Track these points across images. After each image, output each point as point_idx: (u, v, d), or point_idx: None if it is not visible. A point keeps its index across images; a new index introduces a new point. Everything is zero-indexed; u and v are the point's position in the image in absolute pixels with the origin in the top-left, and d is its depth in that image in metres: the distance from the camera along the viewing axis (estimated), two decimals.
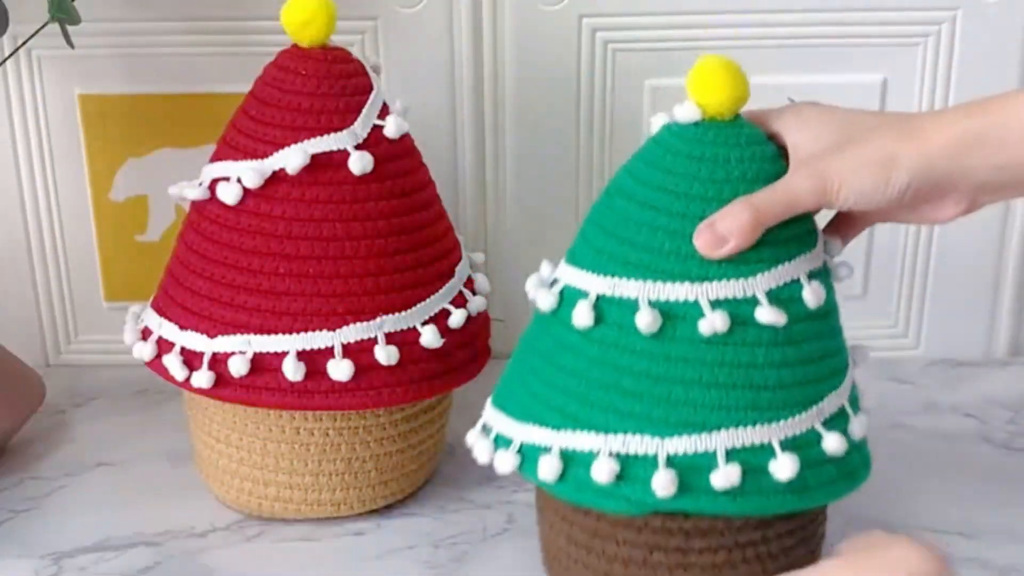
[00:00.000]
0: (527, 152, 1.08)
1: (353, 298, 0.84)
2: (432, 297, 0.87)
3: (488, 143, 1.07)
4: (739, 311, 0.71)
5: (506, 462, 0.75)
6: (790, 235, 0.73)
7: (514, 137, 1.07)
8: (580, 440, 0.72)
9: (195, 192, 0.87)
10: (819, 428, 0.73)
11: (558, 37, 1.04)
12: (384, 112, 0.87)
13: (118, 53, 1.05)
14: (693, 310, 0.71)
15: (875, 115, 0.74)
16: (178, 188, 0.88)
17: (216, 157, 0.88)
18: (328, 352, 0.84)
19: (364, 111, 0.86)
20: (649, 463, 0.70)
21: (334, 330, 0.84)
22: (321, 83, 0.85)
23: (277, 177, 0.84)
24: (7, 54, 1.02)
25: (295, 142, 0.84)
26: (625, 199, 0.75)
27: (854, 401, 0.77)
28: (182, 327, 0.86)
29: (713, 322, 0.70)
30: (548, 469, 0.72)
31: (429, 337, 0.85)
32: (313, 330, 0.84)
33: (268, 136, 0.85)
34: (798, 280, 0.73)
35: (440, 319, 0.87)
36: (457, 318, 0.87)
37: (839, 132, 0.71)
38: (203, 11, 1.03)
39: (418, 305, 0.86)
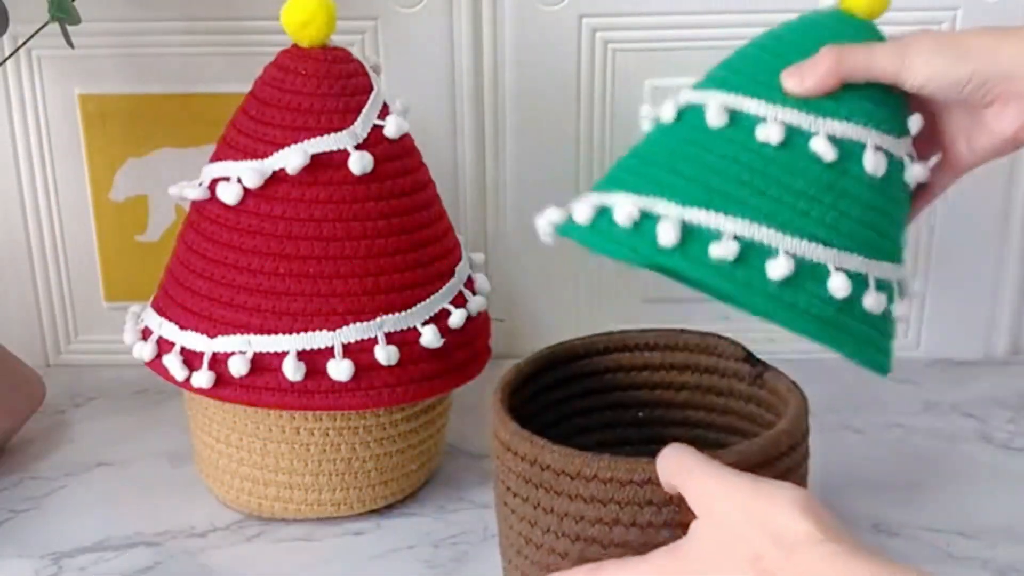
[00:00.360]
0: (527, 152, 1.08)
1: (353, 298, 0.84)
2: (432, 297, 0.87)
3: (488, 143, 1.07)
4: (851, 149, 0.74)
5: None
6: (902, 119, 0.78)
7: (514, 137, 1.07)
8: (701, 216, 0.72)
9: (195, 192, 0.87)
10: (871, 281, 0.75)
11: (558, 37, 1.04)
12: (384, 112, 0.87)
13: (118, 53, 1.05)
14: (806, 137, 0.74)
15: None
16: (178, 188, 0.88)
17: (216, 157, 0.88)
18: (328, 352, 0.84)
19: (364, 111, 0.86)
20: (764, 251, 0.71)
21: (334, 330, 0.84)
22: (321, 83, 0.85)
23: (277, 177, 0.84)
24: (7, 54, 1.02)
25: (295, 142, 0.84)
26: (758, 48, 0.82)
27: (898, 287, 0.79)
28: (182, 327, 0.86)
29: (826, 151, 0.73)
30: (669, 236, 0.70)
31: (429, 337, 0.85)
32: (313, 330, 0.84)
33: (268, 136, 0.85)
34: (899, 158, 0.76)
35: (440, 319, 0.87)
36: (457, 318, 0.87)
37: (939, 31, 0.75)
38: (203, 11, 1.03)
39: (418, 305, 0.86)
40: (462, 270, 0.90)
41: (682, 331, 0.84)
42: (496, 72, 1.05)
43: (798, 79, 0.74)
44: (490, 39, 1.04)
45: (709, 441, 0.83)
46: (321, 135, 0.84)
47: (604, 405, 0.85)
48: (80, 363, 1.14)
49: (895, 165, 0.75)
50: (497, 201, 1.09)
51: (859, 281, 0.74)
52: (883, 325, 0.77)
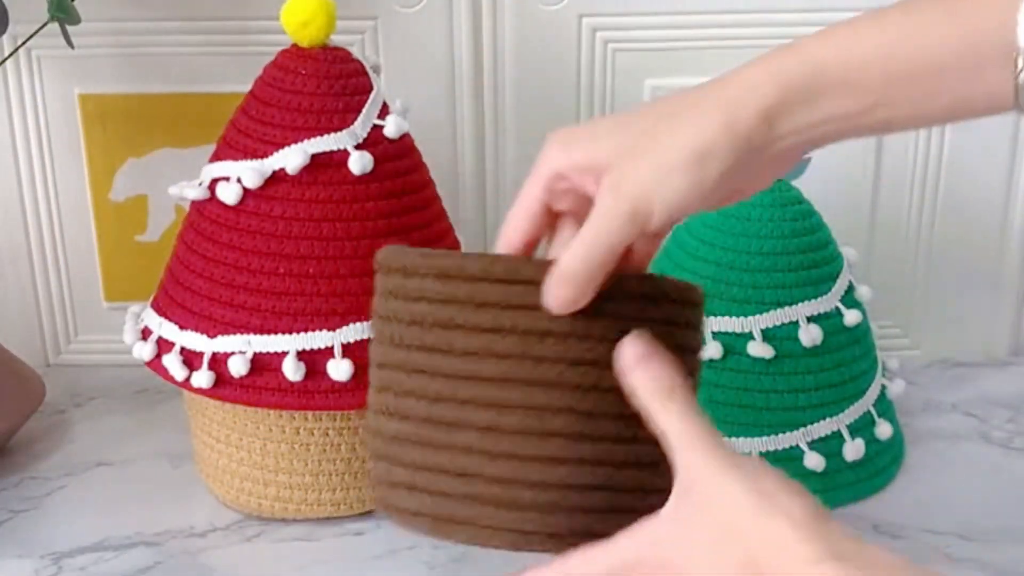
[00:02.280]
0: (527, 152, 1.08)
1: (353, 298, 0.84)
2: None
3: (488, 143, 1.07)
4: (735, 344, 0.88)
5: None
6: (794, 281, 0.89)
7: (514, 137, 1.07)
8: None
9: (195, 192, 0.87)
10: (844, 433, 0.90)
11: (558, 37, 1.04)
12: (384, 112, 0.87)
13: (118, 53, 1.05)
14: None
15: (664, 99, 0.61)
16: (178, 188, 0.88)
17: (216, 157, 0.88)
18: (328, 352, 0.84)
19: (364, 111, 0.86)
20: None
21: (334, 330, 0.84)
22: (321, 83, 0.85)
23: (277, 177, 0.84)
24: (7, 54, 1.02)
25: (295, 142, 0.84)
26: (680, 251, 0.92)
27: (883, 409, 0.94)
28: (182, 327, 0.86)
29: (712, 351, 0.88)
30: None
31: None
32: (313, 330, 0.84)
33: (268, 136, 0.85)
34: (796, 322, 0.89)
35: None
36: None
37: (630, 131, 0.57)
38: (203, 11, 1.03)
39: None
40: None
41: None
42: (496, 72, 1.05)
43: (552, 303, 0.55)
44: (490, 39, 1.04)
45: None
46: (321, 135, 0.84)
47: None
48: (80, 363, 1.14)
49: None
50: (497, 201, 1.09)
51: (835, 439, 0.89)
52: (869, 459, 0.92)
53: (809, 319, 0.89)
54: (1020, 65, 0.52)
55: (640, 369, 0.55)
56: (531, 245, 0.59)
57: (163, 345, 0.87)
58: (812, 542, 0.51)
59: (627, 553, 0.55)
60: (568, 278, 0.54)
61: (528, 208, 0.58)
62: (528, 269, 0.55)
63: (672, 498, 0.54)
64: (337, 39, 0.88)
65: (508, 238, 0.59)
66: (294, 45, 0.87)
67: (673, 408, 0.55)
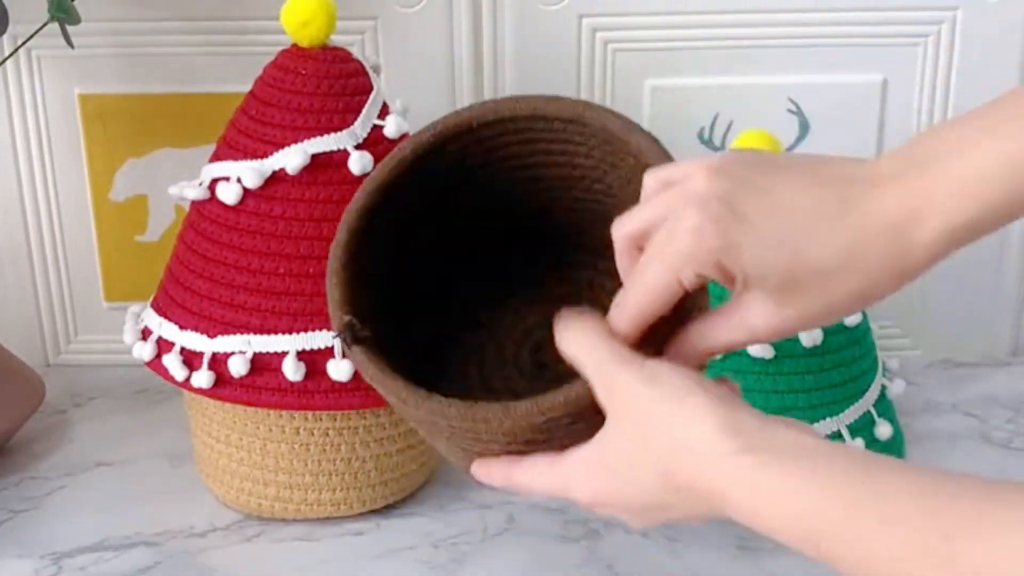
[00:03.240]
0: None
1: None
2: None
3: None
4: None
5: None
6: None
7: None
8: None
9: (195, 192, 0.87)
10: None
11: (558, 37, 1.04)
12: (384, 112, 0.87)
13: (118, 53, 1.05)
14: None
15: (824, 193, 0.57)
16: (178, 188, 0.88)
17: (216, 157, 0.88)
18: (328, 352, 0.84)
19: (364, 111, 0.86)
20: None
21: None
22: (321, 83, 0.85)
23: (277, 177, 0.84)
24: (7, 54, 1.02)
25: (295, 142, 0.84)
26: None
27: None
28: (182, 327, 0.86)
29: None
30: None
31: None
32: (313, 330, 0.84)
33: (268, 136, 0.85)
34: None
35: None
36: None
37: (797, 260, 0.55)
38: (203, 11, 1.03)
39: None
40: None
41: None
42: (496, 72, 1.05)
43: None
44: (490, 39, 1.04)
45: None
46: (321, 135, 0.84)
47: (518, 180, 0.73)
48: (80, 363, 1.14)
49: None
50: None
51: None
52: None
53: None
54: None
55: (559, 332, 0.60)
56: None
57: (163, 345, 0.87)
58: (724, 436, 0.52)
59: (559, 477, 0.60)
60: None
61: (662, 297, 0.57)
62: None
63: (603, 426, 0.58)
64: (337, 39, 0.88)
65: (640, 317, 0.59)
66: (294, 45, 0.87)
67: (568, 336, 0.59)
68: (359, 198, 0.69)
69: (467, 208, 0.73)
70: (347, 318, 0.65)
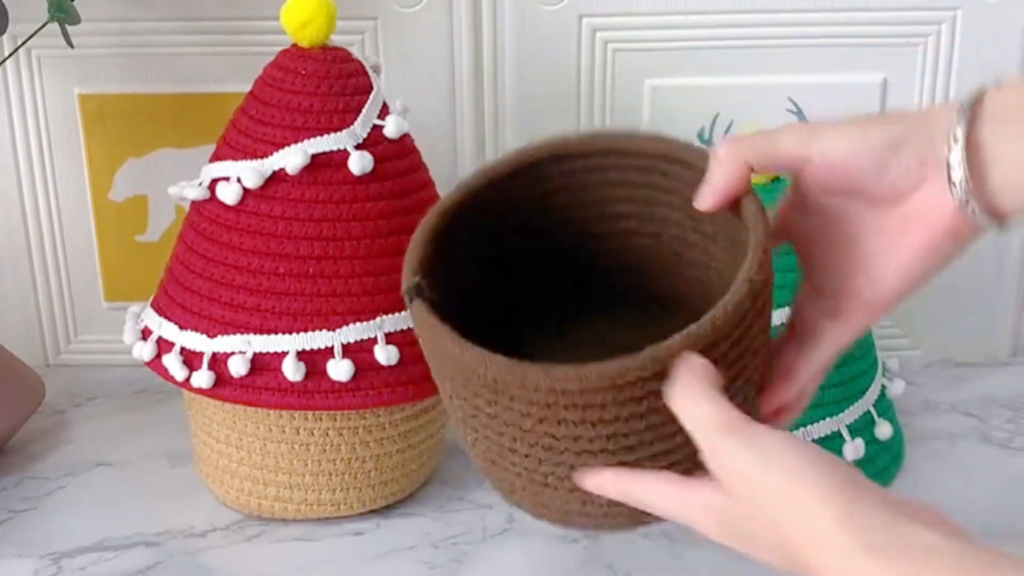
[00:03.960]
0: None
1: (353, 298, 0.84)
2: None
3: (488, 143, 1.07)
4: None
5: None
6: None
7: (514, 137, 1.07)
8: None
9: (195, 192, 0.87)
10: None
11: (558, 37, 1.04)
12: (384, 112, 0.87)
13: (118, 53, 1.05)
14: None
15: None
16: (178, 188, 0.88)
17: (216, 157, 0.88)
18: (328, 352, 0.84)
19: (364, 111, 0.86)
20: None
21: (334, 330, 0.84)
22: (321, 83, 0.85)
23: (277, 177, 0.84)
24: (7, 54, 1.02)
25: (295, 142, 0.84)
26: None
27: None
28: (182, 327, 0.86)
29: None
30: None
31: None
32: (313, 330, 0.84)
33: (268, 136, 0.85)
34: None
35: None
36: None
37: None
38: (203, 11, 1.03)
39: None
40: None
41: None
42: (496, 72, 1.05)
43: (708, 196, 0.61)
44: (490, 39, 1.04)
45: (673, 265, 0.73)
46: (321, 135, 0.84)
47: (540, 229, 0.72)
48: (80, 363, 1.14)
49: None
50: None
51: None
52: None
53: None
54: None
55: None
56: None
57: (163, 345, 0.87)
58: (847, 531, 0.50)
59: (684, 507, 0.58)
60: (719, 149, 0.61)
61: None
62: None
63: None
64: (337, 39, 0.88)
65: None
66: (294, 45, 0.87)
67: (674, 392, 0.56)
68: (453, 194, 0.69)
69: (543, 244, 0.72)
70: (417, 278, 0.65)
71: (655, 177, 0.68)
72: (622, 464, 0.61)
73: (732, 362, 0.59)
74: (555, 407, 0.60)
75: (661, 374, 0.57)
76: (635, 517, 0.63)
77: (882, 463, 0.92)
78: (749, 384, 0.62)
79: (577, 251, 0.73)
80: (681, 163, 0.66)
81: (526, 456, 0.64)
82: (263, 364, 0.84)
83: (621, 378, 0.58)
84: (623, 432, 0.60)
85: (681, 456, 0.60)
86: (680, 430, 0.58)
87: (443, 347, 0.62)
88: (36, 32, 0.94)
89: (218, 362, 0.84)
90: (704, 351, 0.57)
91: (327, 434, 0.87)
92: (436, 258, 0.67)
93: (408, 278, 0.65)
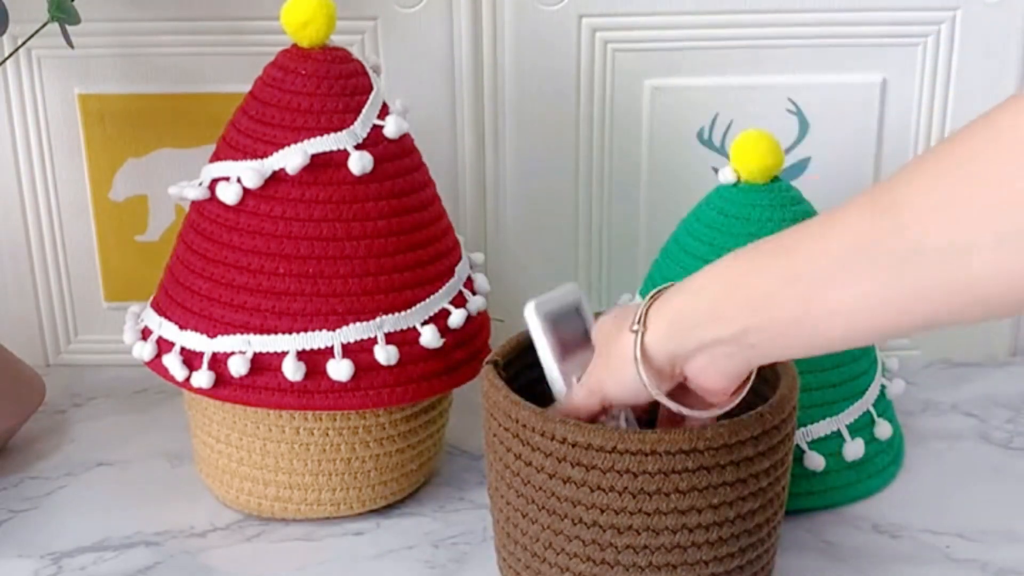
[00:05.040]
0: (527, 152, 1.08)
1: (353, 298, 0.84)
2: (432, 297, 0.87)
3: (488, 143, 1.07)
4: None
5: None
6: None
7: (514, 137, 1.07)
8: None
9: (195, 192, 0.87)
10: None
11: (558, 37, 1.04)
12: (384, 112, 0.87)
13: (118, 53, 1.05)
14: None
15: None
16: (178, 188, 0.88)
17: (216, 157, 0.88)
18: (328, 352, 0.84)
19: (364, 111, 0.86)
20: None
21: (334, 330, 0.84)
22: (321, 83, 0.85)
23: (277, 177, 0.84)
24: (7, 54, 1.02)
25: (295, 142, 0.84)
26: (680, 249, 0.92)
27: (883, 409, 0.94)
28: (182, 327, 0.86)
29: None
30: None
31: (429, 337, 0.85)
32: (313, 330, 0.84)
33: (268, 136, 0.85)
34: None
35: (440, 319, 0.87)
36: (457, 318, 0.87)
37: (604, 337, 0.74)
38: (203, 11, 1.03)
39: (418, 305, 0.86)
40: (462, 270, 0.90)
41: None
42: (496, 72, 1.05)
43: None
44: (490, 39, 1.04)
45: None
46: (321, 135, 0.84)
47: None
48: (80, 363, 1.14)
49: None
50: (497, 201, 1.09)
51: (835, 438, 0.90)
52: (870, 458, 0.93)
53: None
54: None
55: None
56: None
57: (163, 345, 0.87)
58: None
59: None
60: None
61: None
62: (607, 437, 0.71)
63: None
64: (337, 39, 0.88)
65: None
66: (294, 45, 0.87)
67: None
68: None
69: None
70: (497, 358, 0.79)
71: None
72: (611, 545, 0.72)
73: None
74: (564, 463, 0.71)
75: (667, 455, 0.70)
76: None
77: (882, 463, 0.92)
78: None
79: None
80: None
81: (532, 523, 0.74)
82: (263, 364, 0.84)
83: (623, 444, 0.70)
84: (616, 506, 0.71)
85: (666, 543, 0.72)
86: (667, 524, 0.71)
87: (494, 398, 0.75)
88: (36, 32, 0.94)
89: (218, 362, 0.84)
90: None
91: (327, 434, 0.87)
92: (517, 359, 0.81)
93: (492, 355, 0.80)
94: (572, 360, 0.78)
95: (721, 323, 0.65)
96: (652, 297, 0.70)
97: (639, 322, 0.69)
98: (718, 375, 0.68)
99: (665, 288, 0.70)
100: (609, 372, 0.72)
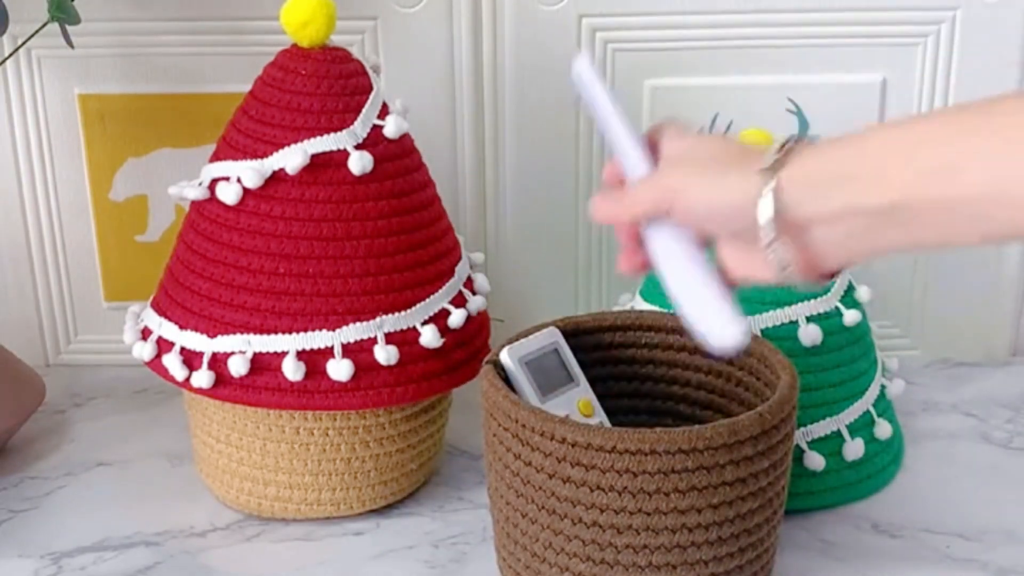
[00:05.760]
0: (527, 152, 1.08)
1: (353, 298, 0.84)
2: (432, 297, 0.87)
3: (488, 143, 1.07)
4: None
5: None
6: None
7: (514, 137, 1.07)
8: None
9: (195, 192, 0.87)
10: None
11: (558, 37, 1.04)
12: (384, 112, 0.87)
13: (118, 53, 1.05)
14: None
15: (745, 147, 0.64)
16: (178, 188, 0.88)
17: (216, 157, 0.88)
18: (328, 352, 0.84)
19: (364, 111, 0.86)
20: None
21: (334, 330, 0.84)
22: (321, 83, 0.85)
23: (277, 177, 0.84)
24: (7, 54, 1.02)
25: (295, 142, 0.84)
26: None
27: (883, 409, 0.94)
28: (182, 327, 0.86)
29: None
30: None
31: (429, 337, 0.85)
32: (313, 330, 0.84)
33: (268, 136, 0.85)
34: (796, 322, 0.89)
35: (440, 319, 0.87)
36: (457, 318, 0.87)
37: (707, 151, 0.65)
38: (203, 11, 1.03)
39: (418, 305, 0.86)
40: (462, 270, 0.90)
41: None
42: (496, 72, 1.05)
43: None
44: (490, 39, 1.04)
45: (713, 410, 0.87)
46: (321, 135, 0.84)
47: (607, 377, 0.87)
48: (80, 363, 1.14)
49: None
50: (497, 201, 1.09)
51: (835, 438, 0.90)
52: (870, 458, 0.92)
53: (808, 319, 0.89)
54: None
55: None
56: None
57: (163, 345, 0.87)
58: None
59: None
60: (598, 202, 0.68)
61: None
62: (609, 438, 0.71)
63: None
64: (337, 39, 0.88)
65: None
66: (294, 45, 0.87)
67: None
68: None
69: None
70: (497, 357, 0.79)
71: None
72: (611, 545, 0.72)
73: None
74: (563, 463, 0.71)
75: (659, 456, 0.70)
76: None
77: (882, 463, 0.92)
78: None
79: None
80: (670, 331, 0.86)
81: (532, 523, 0.74)
82: (263, 364, 0.84)
83: (623, 444, 0.70)
84: (616, 506, 0.71)
85: (666, 542, 0.72)
86: (667, 524, 0.71)
87: (494, 398, 0.75)
88: (36, 32, 0.94)
89: (218, 362, 0.84)
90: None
91: (327, 434, 0.87)
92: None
93: (492, 355, 0.80)
94: (555, 398, 0.80)
95: (880, 188, 0.55)
96: (789, 140, 0.59)
97: (778, 154, 0.58)
98: (838, 249, 0.58)
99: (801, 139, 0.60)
100: (706, 182, 0.61)
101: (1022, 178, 0.51)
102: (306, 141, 0.84)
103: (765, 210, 0.58)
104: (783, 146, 0.59)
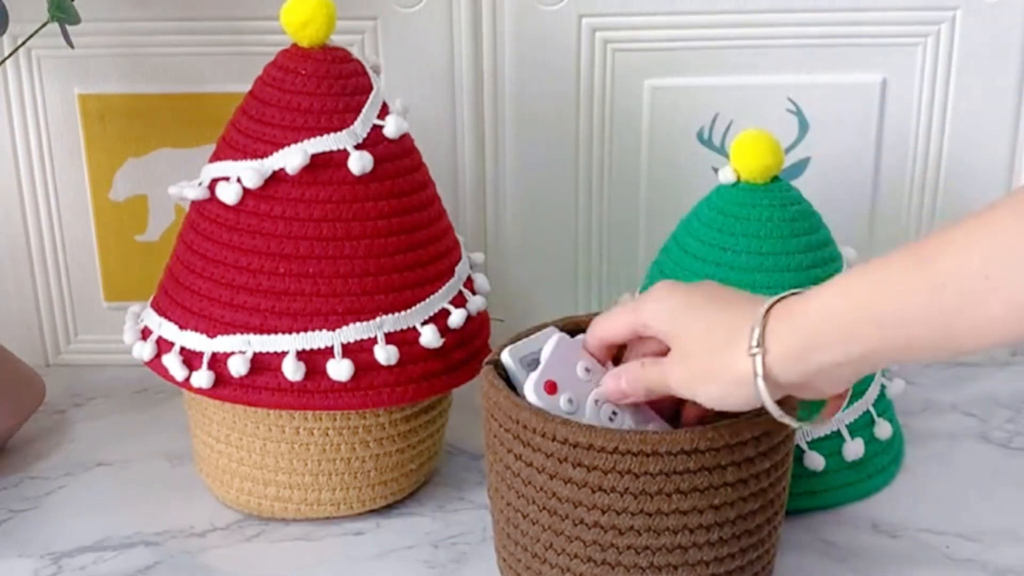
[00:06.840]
0: (527, 152, 1.08)
1: (353, 298, 0.84)
2: (432, 297, 0.87)
3: (488, 143, 1.07)
4: None
5: None
6: (794, 281, 0.86)
7: (514, 137, 1.07)
8: None
9: (195, 192, 0.87)
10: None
11: (558, 37, 1.04)
12: (384, 112, 0.87)
13: (118, 53, 1.05)
14: None
15: (727, 310, 0.70)
16: (178, 188, 0.88)
17: (216, 157, 0.88)
18: (328, 352, 0.84)
19: (364, 111, 0.86)
20: None
21: (334, 330, 0.84)
22: (321, 83, 0.85)
23: (277, 177, 0.84)
24: (7, 54, 1.02)
25: (295, 142, 0.84)
26: (679, 249, 0.92)
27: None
28: (182, 327, 0.86)
29: None
30: None
31: (429, 337, 0.85)
32: (313, 330, 0.84)
33: (268, 136, 0.85)
34: None
35: (440, 319, 0.87)
36: (457, 318, 0.87)
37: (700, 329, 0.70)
38: (203, 11, 1.03)
39: (418, 305, 0.86)
40: (462, 270, 0.90)
41: None
42: (496, 72, 1.05)
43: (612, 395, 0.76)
44: (490, 39, 1.04)
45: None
46: (321, 135, 0.84)
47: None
48: (80, 363, 1.14)
49: None
50: (497, 201, 1.09)
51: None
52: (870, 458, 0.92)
53: None
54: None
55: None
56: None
57: (163, 345, 0.87)
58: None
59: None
60: (617, 381, 0.75)
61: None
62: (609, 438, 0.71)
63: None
64: (337, 39, 0.88)
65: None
66: (294, 45, 0.87)
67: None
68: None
69: None
70: (498, 358, 0.77)
71: None
72: (612, 546, 0.72)
73: None
74: (565, 464, 0.71)
75: (667, 456, 0.70)
76: None
77: (882, 463, 0.92)
78: None
79: None
80: None
81: (533, 524, 0.74)
82: (263, 364, 0.84)
83: (625, 445, 0.70)
84: (617, 507, 0.71)
85: (668, 543, 0.72)
86: (668, 525, 0.71)
87: (494, 398, 0.75)
88: (36, 32, 0.94)
89: (218, 362, 0.84)
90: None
91: (327, 434, 0.87)
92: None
93: (492, 355, 0.78)
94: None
95: (853, 344, 0.63)
96: (764, 314, 0.66)
97: (758, 344, 0.66)
98: (834, 386, 0.68)
99: (772, 302, 0.67)
100: (701, 381, 0.69)
101: (968, 312, 0.58)
102: (306, 141, 0.84)
103: (765, 397, 0.67)
104: (758, 330, 0.66)
